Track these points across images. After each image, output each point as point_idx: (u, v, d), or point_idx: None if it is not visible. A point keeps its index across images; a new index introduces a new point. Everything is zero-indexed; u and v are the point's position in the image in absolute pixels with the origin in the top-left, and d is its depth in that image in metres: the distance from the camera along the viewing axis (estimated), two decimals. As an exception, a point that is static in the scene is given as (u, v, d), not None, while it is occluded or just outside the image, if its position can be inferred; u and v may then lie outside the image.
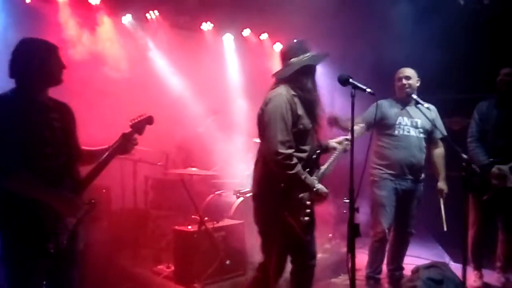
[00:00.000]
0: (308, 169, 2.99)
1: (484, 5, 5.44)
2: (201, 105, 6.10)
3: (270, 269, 2.97)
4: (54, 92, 2.70)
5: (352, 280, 2.75)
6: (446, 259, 5.04)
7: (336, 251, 5.22)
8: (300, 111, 2.98)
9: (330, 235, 5.55)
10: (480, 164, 4.10)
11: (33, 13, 4.97)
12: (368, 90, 2.82)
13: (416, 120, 4.20)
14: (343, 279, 4.61)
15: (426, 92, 4.28)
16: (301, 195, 2.94)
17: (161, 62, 6.10)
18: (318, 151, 3.13)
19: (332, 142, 3.25)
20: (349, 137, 3.06)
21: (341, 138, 3.24)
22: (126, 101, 5.21)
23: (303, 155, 2.98)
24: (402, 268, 4.45)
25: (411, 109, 4.21)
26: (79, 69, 5.03)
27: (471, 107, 4.56)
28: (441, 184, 4.26)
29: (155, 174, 5.50)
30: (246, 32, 7.00)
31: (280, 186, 2.90)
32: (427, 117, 4.08)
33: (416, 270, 3.74)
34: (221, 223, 4.53)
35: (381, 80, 4.56)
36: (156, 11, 5.97)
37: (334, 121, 3.42)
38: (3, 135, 2.37)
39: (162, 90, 5.97)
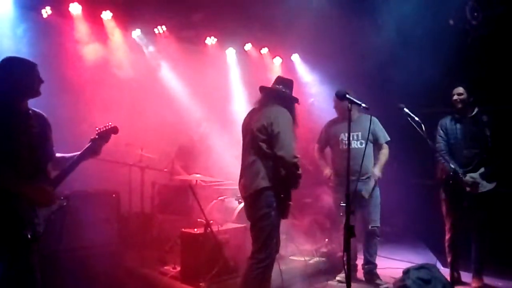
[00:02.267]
0: None
1: (473, 25, 5.80)
2: (204, 115, 6.40)
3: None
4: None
5: (348, 276, 3.05)
6: (437, 264, 5.31)
7: (333, 255, 5.45)
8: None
9: (327, 239, 5.79)
10: (456, 174, 4.57)
11: (49, 27, 5.29)
12: (363, 105, 3.16)
13: (356, 134, 4.82)
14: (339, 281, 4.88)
15: (416, 106, 4.62)
16: None
17: (167, 74, 6.42)
18: None
19: None
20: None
21: None
22: (135, 110, 5.51)
23: None
24: (371, 263, 4.87)
25: (353, 124, 4.43)
26: (91, 78, 5.36)
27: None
28: (375, 170, 4.83)
29: (161, 180, 5.77)
30: (248, 46, 7.33)
31: (278, 182, 3.54)
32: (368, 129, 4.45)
33: (406, 271, 4.02)
34: (224, 227, 4.79)
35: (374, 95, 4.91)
36: (163, 26, 6.29)
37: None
38: None
39: (168, 101, 6.27)
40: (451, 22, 5.82)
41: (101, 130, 3.17)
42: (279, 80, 3.88)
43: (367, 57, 6.24)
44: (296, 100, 3.81)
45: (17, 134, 2.85)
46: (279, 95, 3.75)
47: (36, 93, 3.00)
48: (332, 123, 5.12)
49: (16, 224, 2.76)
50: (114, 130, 3.21)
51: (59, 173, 3.05)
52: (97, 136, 3.15)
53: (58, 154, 3.16)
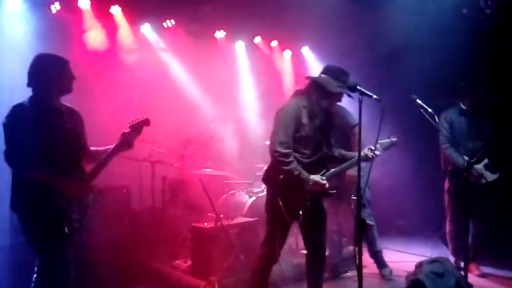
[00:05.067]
0: (310, 168, 3.47)
1: (487, 14, 5.68)
2: (214, 109, 6.39)
3: (276, 243, 3.51)
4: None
5: (359, 270, 3.01)
6: (450, 257, 5.24)
7: (345, 248, 5.40)
8: (305, 120, 3.47)
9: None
10: (460, 165, 4.61)
11: (59, 22, 5.28)
12: (374, 96, 3.10)
13: None
14: (351, 275, 4.86)
15: (430, 98, 4.56)
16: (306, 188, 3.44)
17: (177, 68, 6.40)
18: (324, 156, 3.60)
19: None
20: (372, 147, 3.54)
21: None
22: (145, 104, 5.52)
23: (303, 156, 3.49)
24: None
25: None
26: (100, 74, 5.36)
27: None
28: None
29: (172, 175, 5.77)
30: (257, 39, 7.26)
31: (279, 178, 3.43)
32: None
33: (419, 265, 3.95)
34: (235, 221, 4.78)
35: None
36: (172, 20, 6.26)
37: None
38: (25, 136, 2.79)
39: (178, 95, 6.26)
40: (465, 11, 5.71)
41: (133, 122, 3.17)
42: (323, 70, 3.60)
43: (378, 48, 6.16)
44: (323, 85, 3.45)
45: (52, 130, 2.92)
46: (306, 87, 3.61)
47: (68, 90, 3.05)
48: None
49: (54, 219, 2.82)
50: (146, 122, 3.20)
51: (94, 167, 3.09)
52: (129, 129, 3.15)
53: (91, 148, 3.22)
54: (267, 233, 3.58)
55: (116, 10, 5.76)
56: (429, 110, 4.17)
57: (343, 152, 3.75)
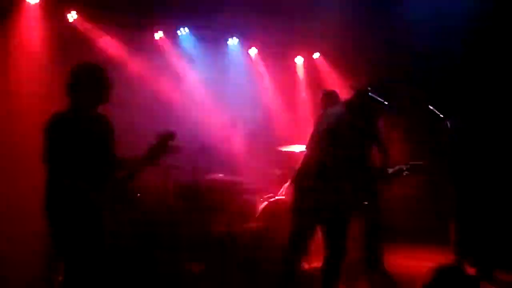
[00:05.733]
0: None
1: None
2: (227, 114, 6.44)
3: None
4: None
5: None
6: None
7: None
8: None
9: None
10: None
11: (73, 31, 5.42)
12: (385, 102, 3.16)
13: None
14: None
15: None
16: None
17: (191, 75, 6.48)
18: None
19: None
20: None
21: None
22: (159, 111, 5.60)
23: None
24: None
25: None
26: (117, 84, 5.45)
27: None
28: None
29: (183, 179, 5.81)
30: (270, 46, 7.27)
31: None
32: None
33: (431, 272, 3.94)
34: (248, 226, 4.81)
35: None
36: (186, 28, 6.36)
37: None
38: (64, 146, 2.84)
39: (191, 101, 6.34)
40: None
41: (159, 140, 3.06)
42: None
43: (390, 54, 6.19)
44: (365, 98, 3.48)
45: (88, 141, 2.93)
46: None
47: (107, 100, 3.06)
48: None
49: (84, 227, 2.84)
50: (171, 137, 3.09)
51: (124, 177, 3.05)
52: (156, 145, 3.06)
53: (120, 157, 3.20)
54: None
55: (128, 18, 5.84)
56: (441, 115, 4.21)
57: None
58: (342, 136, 3.39)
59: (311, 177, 3.42)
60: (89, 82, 2.96)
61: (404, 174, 3.60)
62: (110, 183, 2.99)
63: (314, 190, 3.41)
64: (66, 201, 2.84)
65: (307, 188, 3.44)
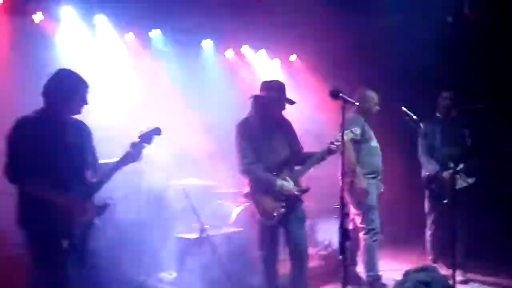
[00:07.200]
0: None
1: (472, 21, 5.70)
2: (202, 119, 6.33)
3: None
4: None
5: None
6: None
7: (334, 258, 5.32)
8: None
9: (326, 242, 5.67)
10: (433, 172, 4.94)
11: (42, 33, 5.24)
12: (357, 103, 3.10)
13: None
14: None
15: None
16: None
17: (163, 78, 6.33)
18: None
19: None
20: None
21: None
22: (133, 114, 5.46)
23: None
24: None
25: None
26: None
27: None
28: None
29: (156, 185, 5.67)
30: (245, 48, 7.24)
31: None
32: None
33: (406, 273, 3.91)
34: (222, 230, 4.72)
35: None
36: (158, 30, 6.22)
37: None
38: (24, 150, 2.75)
39: (166, 105, 6.19)
40: (449, 19, 5.73)
41: (143, 132, 3.04)
42: (262, 86, 3.92)
43: (368, 57, 6.20)
44: (276, 99, 3.81)
45: (53, 144, 2.84)
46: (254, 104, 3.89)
47: (78, 113, 3.00)
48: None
49: (53, 232, 2.74)
50: (157, 131, 3.07)
51: (96, 181, 3.00)
52: (139, 139, 3.03)
53: (101, 161, 3.13)
54: None
55: (101, 19, 5.70)
56: (414, 117, 4.23)
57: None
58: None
59: None
60: (62, 89, 2.89)
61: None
62: (78, 185, 2.91)
63: None
64: (32, 212, 2.75)
65: None
